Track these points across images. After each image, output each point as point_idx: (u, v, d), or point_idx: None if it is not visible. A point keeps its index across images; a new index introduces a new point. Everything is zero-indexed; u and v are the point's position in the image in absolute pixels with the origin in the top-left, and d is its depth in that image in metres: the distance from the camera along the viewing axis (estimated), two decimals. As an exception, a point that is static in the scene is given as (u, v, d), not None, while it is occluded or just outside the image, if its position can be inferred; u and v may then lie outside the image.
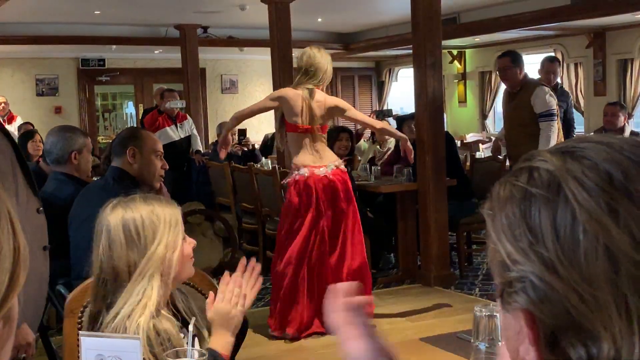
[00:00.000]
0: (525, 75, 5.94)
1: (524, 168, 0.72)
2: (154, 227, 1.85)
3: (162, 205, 1.91)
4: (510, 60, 5.89)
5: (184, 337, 1.85)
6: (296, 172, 4.76)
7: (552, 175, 0.69)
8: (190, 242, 1.97)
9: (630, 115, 10.08)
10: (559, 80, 6.92)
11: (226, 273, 1.95)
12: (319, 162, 4.76)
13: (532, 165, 0.71)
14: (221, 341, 1.87)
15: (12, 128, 9.28)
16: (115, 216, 1.86)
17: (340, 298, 0.91)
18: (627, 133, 6.45)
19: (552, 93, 5.80)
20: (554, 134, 5.68)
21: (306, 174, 4.71)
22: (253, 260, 2.00)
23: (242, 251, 7.07)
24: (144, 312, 1.74)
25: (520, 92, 5.85)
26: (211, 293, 1.96)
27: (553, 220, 0.67)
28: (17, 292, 0.72)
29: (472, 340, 1.91)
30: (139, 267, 1.81)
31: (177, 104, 7.56)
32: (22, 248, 0.73)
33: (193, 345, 1.69)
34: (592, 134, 0.86)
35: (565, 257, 0.66)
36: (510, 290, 0.70)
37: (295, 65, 4.89)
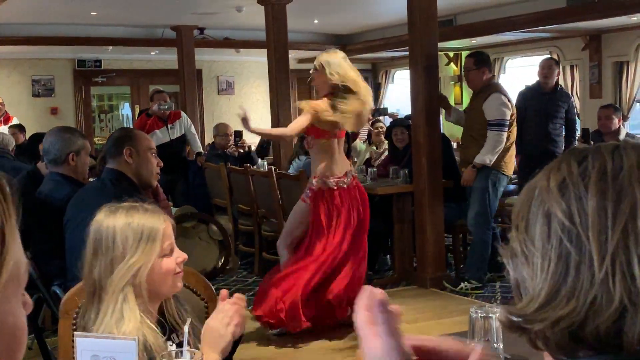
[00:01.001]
0: (490, 79, 5.83)
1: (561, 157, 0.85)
2: (124, 242, 1.83)
3: (145, 217, 1.88)
4: (473, 62, 5.84)
5: (171, 345, 1.85)
6: (322, 183, 4.72)
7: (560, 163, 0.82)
8: (179, 257, 1.92)
9: (625, 118, 10.10)
10: (559, 81, 6.93)
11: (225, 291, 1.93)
12: (341, 170, 4.76)
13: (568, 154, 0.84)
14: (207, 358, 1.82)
15: (5, 129, 9.28)
16: (95, 223, 1.88)
17: (370, 297, 0.93)
18: (622, 135, 6.45)
19: (507, 102, 5.63)
20: (499, 144, 5.59)
21: (334, 186, 4.72)
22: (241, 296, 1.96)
23: (237, 255, 7.07)
24: (129, 326, 1.75)
25: (478, 95, 5.80)
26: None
27: (532, 194, 0.81)
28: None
29: (467, 342, 1.91)
30: (111, 282, 1.81)
31: (163, 107, 7.48)
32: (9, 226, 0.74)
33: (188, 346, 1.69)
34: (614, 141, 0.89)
35: (525, 220, 0.81)
36: (506, 247, 0.85)
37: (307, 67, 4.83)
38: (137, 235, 1.84)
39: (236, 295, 1.93)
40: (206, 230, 6.03)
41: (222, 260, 6.10)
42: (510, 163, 5.74)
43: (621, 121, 6.67)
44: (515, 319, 0.79)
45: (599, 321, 0.73)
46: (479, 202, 5.70)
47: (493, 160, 5.61)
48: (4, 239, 0.73)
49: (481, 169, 5.65)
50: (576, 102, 10.66)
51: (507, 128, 5.61)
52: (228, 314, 1.85)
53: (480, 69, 5.78)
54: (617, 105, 7.16)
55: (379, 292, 0.93)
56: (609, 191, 0.75)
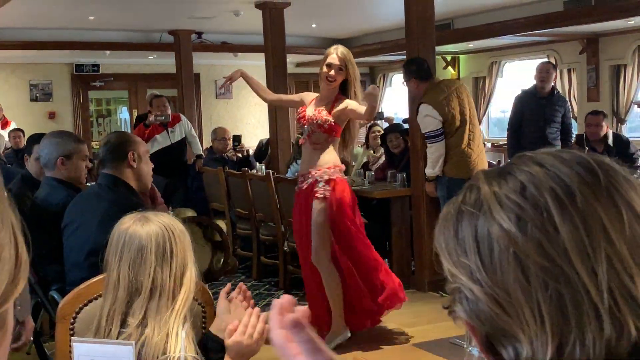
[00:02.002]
0: (426, 88, 5.60)
1: (465, 187, 0.78)
2: (185, 249, 1.88)
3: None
4: (404, 72, 5.77)
5: None
6: (339, 172, 4.57)
7: (479, 193, 0.75)
8: None
9: (622, 121, 10.12)
10: (556, 85, 6.93)
11: (226, 300, 1.97)
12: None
13: (471, 184, 0.78)
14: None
15: (5, 133, 9.30)
16: (147, 231, 1.84)
17: (281, 314, 0.91)
18: (610, 139, 6.45)
19: (432, 111, 5.47)
20: (434, 155, 5.57)
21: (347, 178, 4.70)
22: (241, 284, 2.01)
23: (236, 257, 7.06)
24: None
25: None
26: (235, 322, 1.93)
27: (475, 233, 0.74)
28: (15, 296, 0.73)
29: (465, 346, 1.91)
30: (178, 302, 1.82)
31: (159, 118, 7.47)
32: (23, 257, 0.74)
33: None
34: (553, 149, 0.82)
35: (483, 267, 0.72)
36: (452, 301, 0.77)
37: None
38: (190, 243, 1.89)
39: (262, 315, 1.95)
40: (201, 232, 6.02)
41: (222, 261, 6.09)
42: (463, 166, 5.54)
43: (608, 127, 6.64)
44: None
45: (619, 352, 0.70)
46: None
47: (436, 171, 5.60)
48: None
49: (437, 179, 5.66)
50: (573, 106, 10.68)
51: (437, 138, 5.52)
52: (255, 327, 1.90)
53: (410, 82, 5.69)
54: (614, 109, 7.10)
55: (289, 307, 0.91)
56: (575, 218, 0.70)
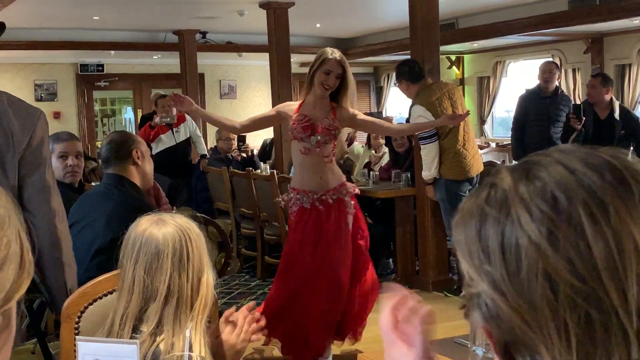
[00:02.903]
0: (417, 90, 5.58)
1: (487, 183, 0.75)
2: (201, 254, 1.85)
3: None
4: (396, 74, 5.74)
5: None
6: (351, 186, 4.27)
7: (505, 195, 0.72)
8: None
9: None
10: (557, 84, 6.86)
11: (223, 320, 1.96)
12: None
13: (493, 181, 0.74)
14: None
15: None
16: (164, 234, 1.81)
17: (398, 299, 0.90)
18: (616, 111, 6.24)
19: (426, 114, 5.42)
20: (428, 157, 5.56)
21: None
22: (257, 313, 2.00)
23: (239, 257, 7.07)
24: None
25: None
26: (223, 323, 1.96)
27: (501, 241, 0.70)
28: (19, 295, 0.74)
29: (469, 346, 1.91)
30: (195, 308, 1.81)
31: (165, 119, 7.48)
32: (27, 258, 0.75)
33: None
34: (567, 145, 0.81)
35: (509, 279, 0.69)
36: (470, 304, 0.74)
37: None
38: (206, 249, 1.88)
39: (250, 315, 1.97)
40: (204, 231, 6.02)
41: (223, 261, 6.09)
42: (459, 167, 5.56)
43: (610, 93, 6.44)
44: None
45: None
46: (444, 214, 5.75)
47: (432, 173, 5.60)
48: None
49: (434, 182, 5.66)
50: (578, 105, 10.65)
51: (430, 139, 5.51)
52: (244, 328, 1.92)
53: (401, 83, 5.67)
54: (608, 76, 6.88)
55: (417, 302, 0.90)
56: (608, 236, 0.67)
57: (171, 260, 1.78)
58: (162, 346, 1.77)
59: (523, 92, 6.87)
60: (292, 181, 4.32)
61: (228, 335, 1.92)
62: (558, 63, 11.03)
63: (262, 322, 1.97)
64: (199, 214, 6.20)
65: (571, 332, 0.68)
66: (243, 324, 1.93)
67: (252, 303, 2.02)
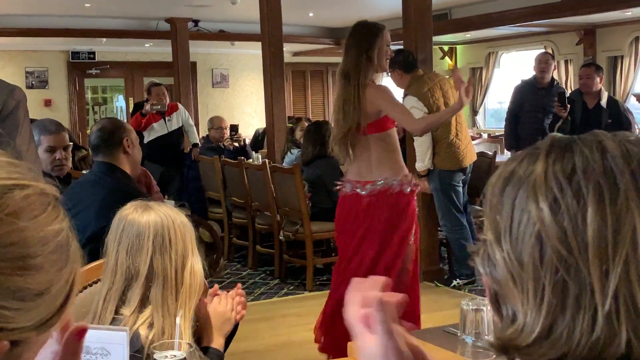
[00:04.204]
0: (409, 81, 5.53)
1: (529, 150, 0.79)
2: (185, 238, 1.87)
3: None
4: (389, 63, 5.69)
5: None
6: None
7: (536, 162, 0.76)
8: None
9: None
10: (554, 76, 6.84)
11: (216, 287, 2.01)
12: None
13: (535, 149, 0.78)
14: (216, 343, 1.93)
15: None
16: (147, 218, 1.84)
17: (365, 291, 0.90)
18: (603, 99, 6.21)
19: (418, 104, 5.39)
20: (421, 147, 5.57)
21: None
22: (239, 285, 2.06)
23: (231, 247, 7.07)
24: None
25: None
26: (209, 297, 1.98)
27: (514, 198, 0.75)
28: (46, 338, 0.73)
29: (458, 334, 1.92)
30: (182, 290, 1.82)
31: (155, 107, 7.45)
32: (71, 298, 0.74)
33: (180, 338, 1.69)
34: (630, 134, 0.80)
35: (509, 233, 0.74)
36: (478, 249, 0.79)
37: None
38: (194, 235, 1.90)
39: (238, 291, 2.03)
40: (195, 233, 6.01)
41: (211, 263, 6.09)
42: (452, 158, 5.56)
43: (602, 81, 6.47)
44: (507, 346, 0.75)
45: (604, 356, 0.70)
46: (437, 204, 5.74)
47: (426, 164, 5.60)
48: None
49: (428, 173, 5.66)
50: (570, 97, 10.68)
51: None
52: (230, 301, 1.96)
53: (394, 72, 5.59)
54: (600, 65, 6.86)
55: (376, 287, 0.89)
56: (608, 216, 0.70)
57: (152, 242, 1.80)
58: (141, 330, 1.78)
59: (518, 82, 6.87)
60: (397, 172, 3.76)
61: (215, 305, 1.96)
62: (552, 54, 11.06)
63: (243, 296, 2.03)
64: (191, 214, 6.20)
65: (545, 297, 0.71)
66: (228, 298, 2.00)
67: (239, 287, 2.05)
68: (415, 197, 3.81)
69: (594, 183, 0.71)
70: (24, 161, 1.93)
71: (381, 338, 0.83)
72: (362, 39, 3.74)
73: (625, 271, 0.69)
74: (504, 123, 7.06)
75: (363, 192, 3.71)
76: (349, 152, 3.74)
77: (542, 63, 6.53)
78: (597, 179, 0.71)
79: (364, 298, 0.86)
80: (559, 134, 0.79)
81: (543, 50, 6.91)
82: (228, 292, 2.03)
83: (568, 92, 7.06)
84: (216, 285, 2.03)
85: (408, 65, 5.61)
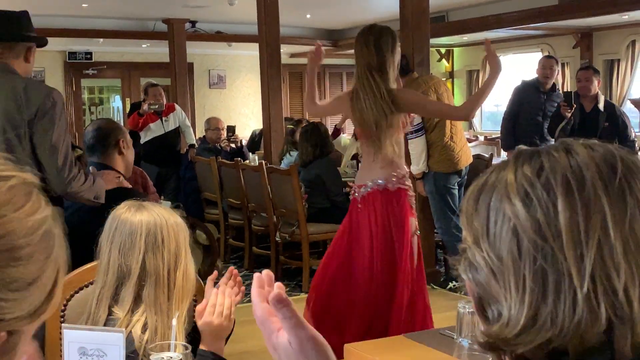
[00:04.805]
0: (404, 84, 5.28)
1: (500, 162, 0.84)
2: (178, 238, 1.86)
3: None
4: None
5: None
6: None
7: (506, 168, 0.80)
8: None
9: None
10: (555, 81, 6.69)
11: (209, 283, 1.93)
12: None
13: (505, 160, 0.83)
14: (214, 348, 1.90)
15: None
16: (140, 218, 1.83)
17: (261, 287, 0.90)
18: (601, 103, 6.18)
19: None
20: (415, 151, 5.55)
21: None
22: (232, 268, 2.01)
23: (227, 248, 7.07)
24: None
25: None
26: (203, 303, 1.94)
27: (489, 202, 0.79)
28: (39, 323, 0.74)
29: (455, 337, 1.92)
30: (175, 290, 1.81)
31: (153, 106, 7.43)
32: (58, 288, 0.75)
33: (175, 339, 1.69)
34: (596, 141, 0.82)
35: (487, 235, 0.78)
36: (458, 259, 0.82)
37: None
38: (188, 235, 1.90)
39: (231, 271, 1.97)
40: (191, 235, 6.00)
41: (208, 265, 6.07)
42: (447, 160, 5.55)
43: (600, 84, 6.42)
44: (494, 342, 0.77)
45: (586, 337, 0.73)
46: (433, 207, 5.73)
47: (421, 167, 5.60)
48: None
49: (424, 176, 5.67)
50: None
51: (417, 133, 5.50)
52: (226, 304, 1.91)
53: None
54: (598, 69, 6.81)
55: (269, 282, 0.89)
56: (578, 205, 0.74)
57: (144, 240, 1.80)
58: (136, 330, 1.77)
59: (519, 83, 6.79)
60: (400, 170, 3.76)
61: (209, 317, 1.90)
62: (557, 59, 11.07)
63: (239, 279, 1.96)
64: (187, 216, 6.18)
65: (527, 287, 0.74)
66: (216, 300, 1.91)
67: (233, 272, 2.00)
68: (409, 194, 3.78)
69: (561, 176, 0.76)
70: (59, 155, 2.00)
71: (292, 332, 0.83)
72: (391, 41, 3.76)
73: (599, 254, 0.73)
74: (500, 125, 7.01)
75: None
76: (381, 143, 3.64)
77: (547, 69, 6.43)
78: (564, 172, 0.76)
79: (264, 295, 0.87)
80: (524, 147, 0.83)
81: (547, 54, 6.78)
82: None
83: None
84: (215, 272, 1.97)
85: (403, 69, 5.61)
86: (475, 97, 3.92)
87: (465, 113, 3.91)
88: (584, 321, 0.73)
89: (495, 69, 3.73)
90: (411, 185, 3.85)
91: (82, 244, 2.96)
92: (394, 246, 3.70)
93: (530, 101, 6.44)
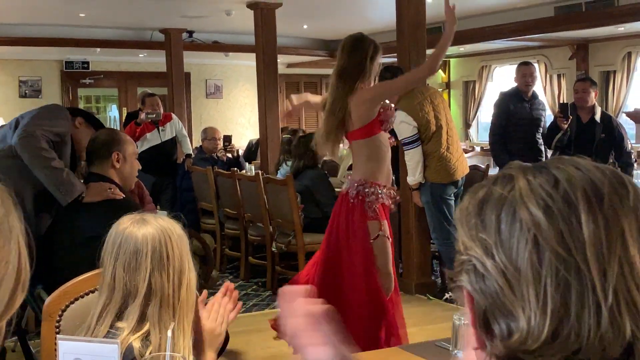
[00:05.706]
0: (399, 96, 5.39)
1: (499, 175, 0.83)
2: (182, 253, 1.85)
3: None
4: (378, 78, 5.63)
5: None
6: (380, 192, 3.83)
7: (514, 180, 0.79)
8: None
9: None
10: (536, 89, 6.61)
11: (200, 305, 1.96)
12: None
13: (505, 172, 0.82)
14: (208, 358, 1.92)
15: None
16: (144, 233, 1.81)
17: (299, 302, 0.90)
18: (597, 114, 6.15)
19: (407, 119, 5.43)
20: (411, 162, 5.57)
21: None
22: (227, 283, 2.03)
23: (223, 258, 7.06)
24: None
25: None
26: (201, 304, 1.96)
27: (499, 212, 0.78)
28: (10, 313, 0.73)
29: (450, 349, 1.92)
30: (184, 298, 1.81)
31: (150, 116, 7.44)
32: (24, 275, 0.75)
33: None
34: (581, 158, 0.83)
35: (501, 245, 0.76)
36: (458, 271, 0.80)
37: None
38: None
39: (227, 285, 2.01)
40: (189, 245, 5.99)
41: (203, 276, 6.07)
42: (444, 171, 5.56)
43: (597, 96, 6.36)
44: (515, 355, 0.76)
45: (609, 351, 0.73)
46: (429, 218, 5.73)
47: (417, 178, 5.60)
48: None
49: (420, 186, 5.67)
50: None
51: (413, 145, 5.52)
52: (220, 312, 1.94)
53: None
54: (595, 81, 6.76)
55: (310, 299, 0.90)
56: (599, 220, 0.74)
57: (150, 259, 1.78)
58: (135, 344, 1.76)
59: (498, 96, 6.70)
60: (371, 176, 3.85)
61: (204, 320, 1.94)
62: (543, 68, 11.12)
63: (236, 294, 2.00)
64: (184, 226, 6.17)
65: (549, 297, 0.73)
66: (218, 308, 1.97)
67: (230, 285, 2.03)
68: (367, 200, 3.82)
69: (580, 190, 0.76)
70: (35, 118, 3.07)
71: (333, 349, 0.84)
72: (368, 48, 3.82)
73: (620, 270, 0.73)
74: (489, 139, 6.76)
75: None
76: (334, 149, 4.02)
77: (528, 77, 6.31)
78: (582, 185, 0.76)
79: (300, 309, 0.87)
80: (519, 162, 0.83)
81: (524, 61, 6.57)
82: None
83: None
84: (205, 292, 2.01)
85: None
86: (436, 51, 3.97)
87: (429, 68, 3.98)
88: (608, 334, 0.73)
89: (452, 20, 3.86)
90: (379, 191, 3.84)
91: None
92: (339, 249, 3.81)
93: (516, 112, 6.29)
